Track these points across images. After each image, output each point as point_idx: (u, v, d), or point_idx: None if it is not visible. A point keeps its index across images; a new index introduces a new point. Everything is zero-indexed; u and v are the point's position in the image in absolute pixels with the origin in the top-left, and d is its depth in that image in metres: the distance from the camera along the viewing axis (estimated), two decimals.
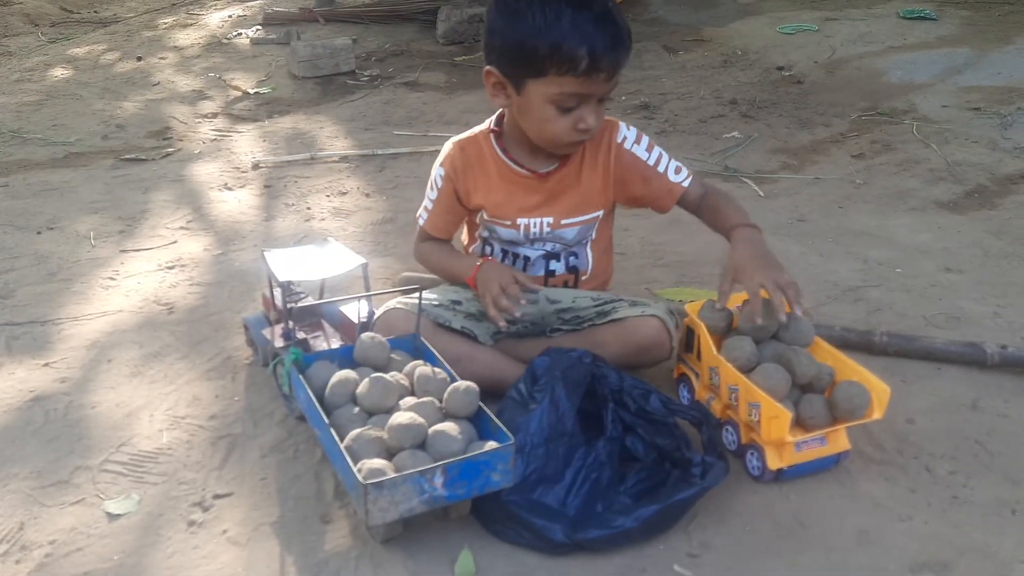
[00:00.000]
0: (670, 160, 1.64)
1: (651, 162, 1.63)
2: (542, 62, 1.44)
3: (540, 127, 1.53)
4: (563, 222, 1.64)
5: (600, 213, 1.67)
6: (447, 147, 1.68)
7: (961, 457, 1.44)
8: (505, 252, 1.70)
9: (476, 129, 1.69)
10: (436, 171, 1.69)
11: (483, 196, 1.65)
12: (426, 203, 1.72)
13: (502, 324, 1.53)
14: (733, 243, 1.53)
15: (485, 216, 1.67)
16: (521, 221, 1.64)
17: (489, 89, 1.56)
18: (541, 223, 1.64)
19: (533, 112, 1.51)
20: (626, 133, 1.64)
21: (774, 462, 1.34)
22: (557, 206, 1.64)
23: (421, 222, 1.74)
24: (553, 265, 1.68)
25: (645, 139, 1.65)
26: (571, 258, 1.68)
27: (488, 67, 1.53)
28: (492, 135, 1.65)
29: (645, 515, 1.22)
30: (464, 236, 1.81)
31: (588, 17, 1.42)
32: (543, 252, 1.67)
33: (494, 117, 1.67)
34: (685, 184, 1.64)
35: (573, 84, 1.45)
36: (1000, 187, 2.67)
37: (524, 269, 1.69)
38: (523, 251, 1.68)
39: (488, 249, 1.72)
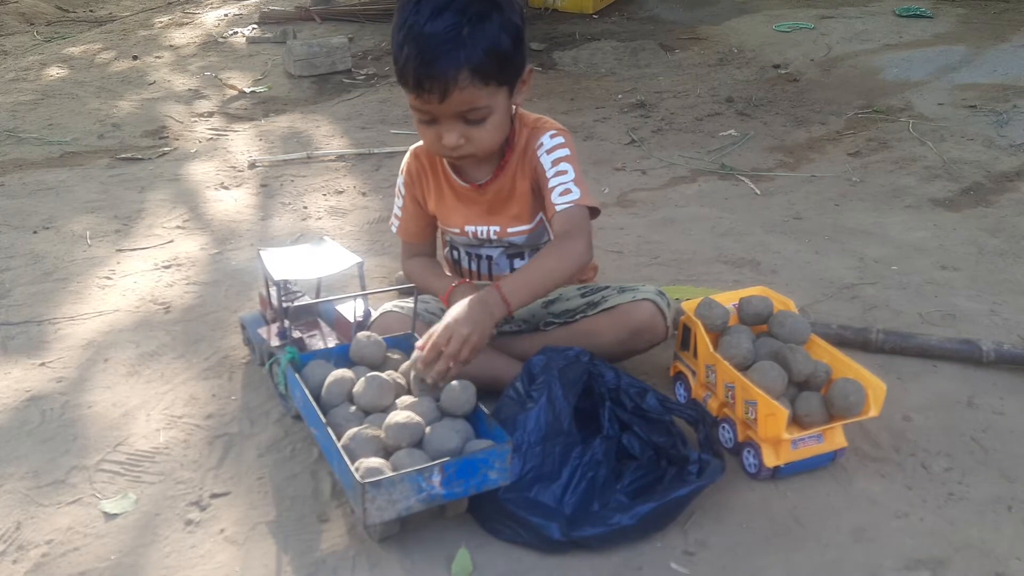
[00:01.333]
0: (571, 181, 1.49)
1: (549, 174, 1.51)
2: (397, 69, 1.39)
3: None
4: (509, 230, 1.62)
5: (542, 216, 1.61)
6: (407, 154, 1.67)
7: (957, 454, 1.44)
8: (469, 255, 1.69)
9: None
10: (399, 179, 1.69)
11: (434, 204, 1.64)
12: (395, 211, 1.72)
13: (426, 380, 1.33)
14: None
15: (439, 223, 1.67)
16: (469, 228, 1.63)
17: None
18: (488, 231, 1.62)
19: None
20: (543, 139, 1.53)
21: (771, 459, 1.35)
22: (500, 216, 1.61)
23: (394, 230, 1.74)
24: (518, 264, 1.66)
25: (561, 151, 1.52)
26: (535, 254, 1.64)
27: None
28: None
29: (642, 513, 1.22)
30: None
31: (422, 29, 1.31)
32: (503, 249, 1.65)
33: None
34: (558, 208, 1.48)
35: (412, 99, 1.40)
36: (996, 184, 2.67)
37: (489, 268, 1.68)
38: (484, 252, 1.67)
39: (455, 254, 1.71)
